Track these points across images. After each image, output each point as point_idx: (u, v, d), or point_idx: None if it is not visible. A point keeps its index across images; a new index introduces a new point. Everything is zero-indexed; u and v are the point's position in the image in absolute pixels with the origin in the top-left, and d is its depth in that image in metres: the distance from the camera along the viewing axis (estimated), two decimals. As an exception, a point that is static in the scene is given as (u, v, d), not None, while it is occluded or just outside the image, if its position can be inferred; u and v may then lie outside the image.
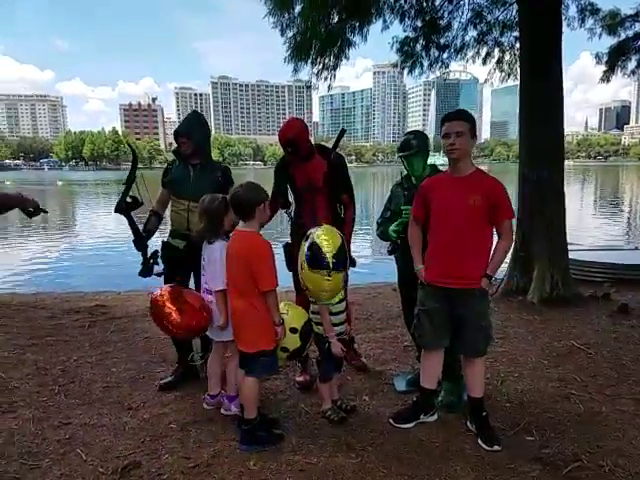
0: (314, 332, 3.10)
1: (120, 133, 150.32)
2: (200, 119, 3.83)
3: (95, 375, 3.87)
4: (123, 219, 3.62)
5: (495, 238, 2.93)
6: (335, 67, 7.05)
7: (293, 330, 2.98)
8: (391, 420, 3.09)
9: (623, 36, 7.77)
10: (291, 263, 3.57)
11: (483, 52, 7.84)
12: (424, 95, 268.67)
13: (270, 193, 3.66)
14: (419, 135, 3.53)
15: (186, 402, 3.42)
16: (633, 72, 8.28)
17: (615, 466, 2.63)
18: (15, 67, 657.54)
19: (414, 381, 3.41)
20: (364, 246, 11.83)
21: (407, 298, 3.53)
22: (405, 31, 7.26)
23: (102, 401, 3.43)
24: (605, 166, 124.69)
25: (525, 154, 6.13)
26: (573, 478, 2.55)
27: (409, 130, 3.90)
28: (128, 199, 3.54)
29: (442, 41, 7.46)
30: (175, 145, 3.76)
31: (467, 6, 7.28)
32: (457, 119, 2.84)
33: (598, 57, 8.16)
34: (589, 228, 15.09)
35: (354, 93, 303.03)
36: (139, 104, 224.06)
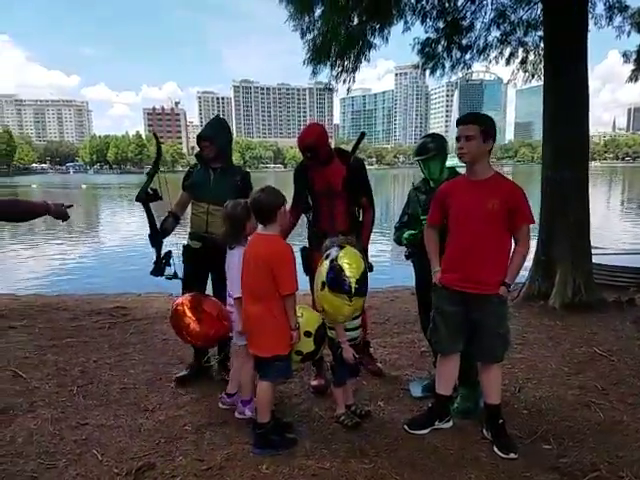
0: (327, 336, 3.09)
1: (144, 137, 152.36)
2: (223, 124, 3.91)
3: (113, 376, 3.92)
4: (144, 217, 3.72)
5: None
6: (354, 69, 7.04)
7: (307, 334, 2.98)
8: (406, 426, 3.06)
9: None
10: (309, 267, 3.58)
11: (506, 52, 7.68)
12: (447, 96, 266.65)
13: (291, 198, 3.70)
14: (437, 138, 3.49)
15: (201, 404, 3.44)
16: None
17: (635, 477, 2.55)
18: (43, 73, 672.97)
19: (430, 387, 3.36)
20: (383, 249, 11.75)
21: (424, 303, 3.49)
22: (427, 32, 7.19)
23: (119, 402, 3.47)
24: (633, 167, 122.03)
25: (549, 154, 6.00)
26: (591, 489, 2.49)
27: (427, 133, 3.87)
28: (149, 190, 3.62)
29: (464, 42, 7.36)
30: (197, 149, 3.82)
31: (490, 6, 7.19)
32: (468, 123, 2.81)
33: (626, 55, 7.94)
34: (615, 231, 14.78)
35: (375, 95, 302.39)
36: (162, 108, 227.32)
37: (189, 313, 3.27)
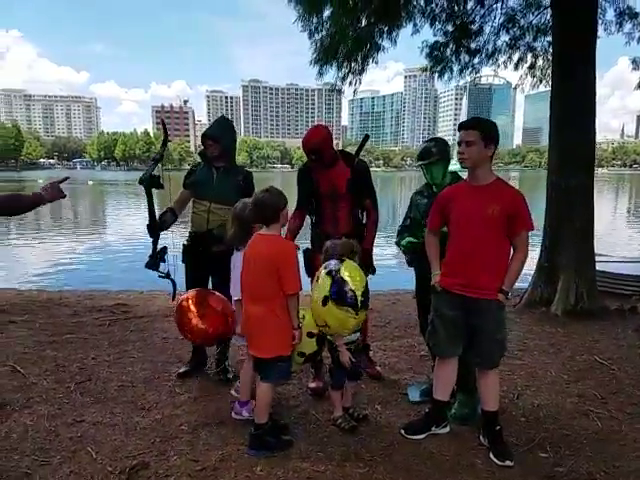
0: (326, 339, 3.09)
1: (152, 135, 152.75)
2: (228, 124, 3.95)
3: (111, 374, 3.92)
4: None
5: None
6: (361, 71, 7.04)
7: (310, 334, 2.98)
8: (402, 431, 3.05)
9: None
10: (311, 269, 3.57)
11: (515, 57, 7.66)
12: (456, 99, 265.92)
13: (296, 201, 3.69)
14: (439, 143, 3.48)
15: (198, 404, 3.44)
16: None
17: (632, 488, 2.53)
18: (53, 69, 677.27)
19: (428, 392, 3.34)
20: (387, 252, 11.72)
21: (423, 306, 3.47)
22: (435, 35, 7.19)
23: (116, 400, 3.47)
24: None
25: (554, 159, 5.97)
26: (587, 499, 2.47)
27: (433, 136, 3.87)
28: (154, 174, 3.63)
29: (473, 46, 7.34)
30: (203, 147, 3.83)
31: (500, 10, 7.16)
32: (468, 128, 2.79)
33: (635, 62, 7.89)
34: (620, 238, 14.70)
35: (384, 97, 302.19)
36: (171, 106, 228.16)
37: (193, 308, 3.27)
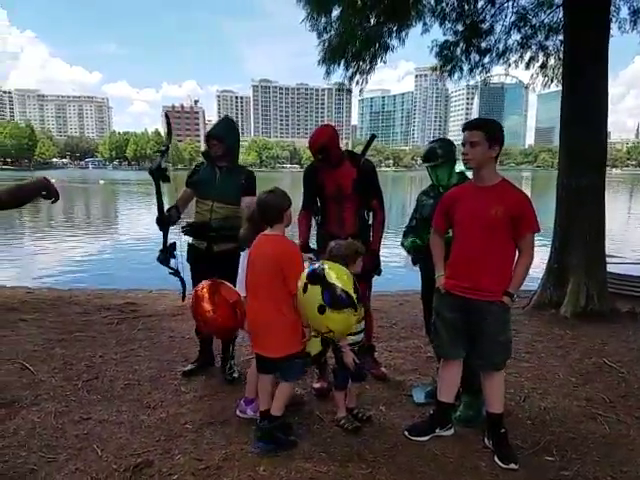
0: (331, 339, 3.08)
1: (162, 135, 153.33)
2: (232, 124, 3.98)
3: (118, 372, 3.95)
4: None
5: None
6: (369, 71, 7.03)
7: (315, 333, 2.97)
8: (406, 432, 3.04)
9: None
10: None
11: (527, 56, 7.60)
12: (467, 99, 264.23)
13: (302, 202, 3.69)
14: (445, 144, 3.46)
15: (203, 402, 3.45)
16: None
17: (639, 493, 2.50)
18: (66, 69, 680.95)
19: (433, 393, 3.32)
20: (395, 252, 11.68)
21: (429, 307, 3.46)
22: (445, 34, 7.16)
23: (122, 398, 3.50)
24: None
25: (565, 159, 5.91)
26: (592, 503, 2.45)
27: (443, 137, 3.85)
28: (162, 165, 3.66)
29: (483, 45, 7.30)
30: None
31: (511, 9, 7.11)
32: (472, 129, 2.78)
33: (651, 61, 7.80)
34: (632, 240, 14.53)
35: (394, 96, 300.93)
36: (182, 106, 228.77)
37: (207, 297, 3.23)
